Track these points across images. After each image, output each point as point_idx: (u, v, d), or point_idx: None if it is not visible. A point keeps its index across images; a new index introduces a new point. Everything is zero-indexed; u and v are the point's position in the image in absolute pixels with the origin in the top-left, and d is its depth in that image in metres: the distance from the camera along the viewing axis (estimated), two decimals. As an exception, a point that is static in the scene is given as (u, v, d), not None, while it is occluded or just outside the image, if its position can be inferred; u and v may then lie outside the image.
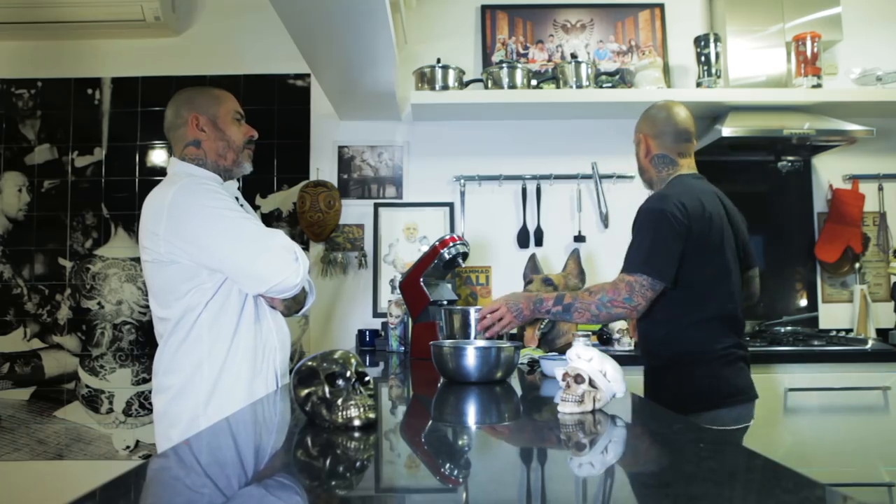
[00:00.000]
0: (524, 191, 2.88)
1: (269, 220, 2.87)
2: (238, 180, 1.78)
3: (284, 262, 1.52)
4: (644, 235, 1.70)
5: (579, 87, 2.68)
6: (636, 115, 2.84)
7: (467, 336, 2.04)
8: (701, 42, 2.73)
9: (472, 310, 2.08)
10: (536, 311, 1.83)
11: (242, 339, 1.59)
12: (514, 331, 2.48)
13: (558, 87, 2.72)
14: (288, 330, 1.75)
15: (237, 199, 1.70)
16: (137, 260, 2.84)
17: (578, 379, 1.17)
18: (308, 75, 2.89)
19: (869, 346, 2.44)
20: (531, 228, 2.88)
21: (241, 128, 1.70)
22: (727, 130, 2.52)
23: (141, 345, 2.81)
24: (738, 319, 1.76)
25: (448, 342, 1.76)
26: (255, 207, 2.85)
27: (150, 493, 0.79)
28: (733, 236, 1.79)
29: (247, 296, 1.60)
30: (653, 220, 1.70)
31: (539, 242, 2.86)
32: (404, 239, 2.89)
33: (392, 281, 2.69)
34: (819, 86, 2.64)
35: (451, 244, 2.29)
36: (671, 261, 1.67)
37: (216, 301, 1.56)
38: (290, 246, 1.56)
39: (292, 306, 1.67)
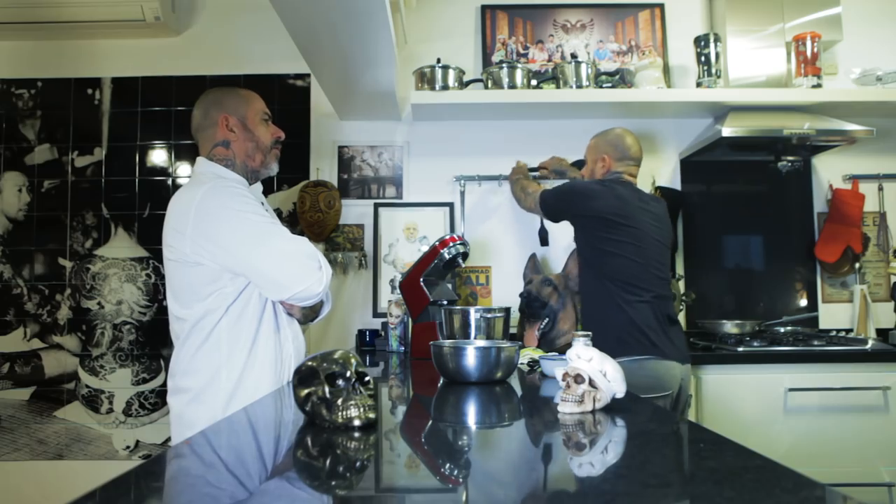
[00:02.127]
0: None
1: (269, 220, 2.87)
2: (261, 184, 1.78)
3: (308, 270, 1.53)
4: (562, 186, 2.36)
5: (579, 87, 2.68)
6: (636, 115, 2.88)
7: (467, 336, 2.05)
8: (701, 42, 2.73)
9: (472, 310, 2.08)
10: (515, 181, 2.67)
11: (262, 347, 1.59)
12: (514, 331, 2.49)
13: (558, 87, 2.72)
14: (303, 338, 1.75)
15: (262, 203, 1.69)
16: (138, 260, 2.84)
17: (578, 379, 1.17)
18: (308, 75, 2.89)
19: (869, 346, 2.44)
20: (532, 228, 2.88)
21: (268, 128, 1.72)
22: (727, 130, 2.52)
23: (141, 345, 2.81)
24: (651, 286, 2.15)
25: (448, 342, 1.76)
26: (255, 207, 2.85)
27: (148, 494, 0.79)
28: (654, 235, 2.18)
29: (266, 302, 1.60)
30: (573, 183, 2.34)
31: (544, 242, 2.86)
32: (404, 239, 2.89)
33: (392, 281, 2.69)
34: (819, 86, 2.64)
35: (451, 244, 2.30)
36: (561, 211, 2.34)
37: (236, 306, 1.56)
38: (314, 254, 1.56)
39: (308, 314, 1.67)
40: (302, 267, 1.52)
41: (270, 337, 1.61)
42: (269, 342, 1.61)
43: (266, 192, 2.83)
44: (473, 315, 2.07)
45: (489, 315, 2.08)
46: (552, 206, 2.34)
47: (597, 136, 2.35)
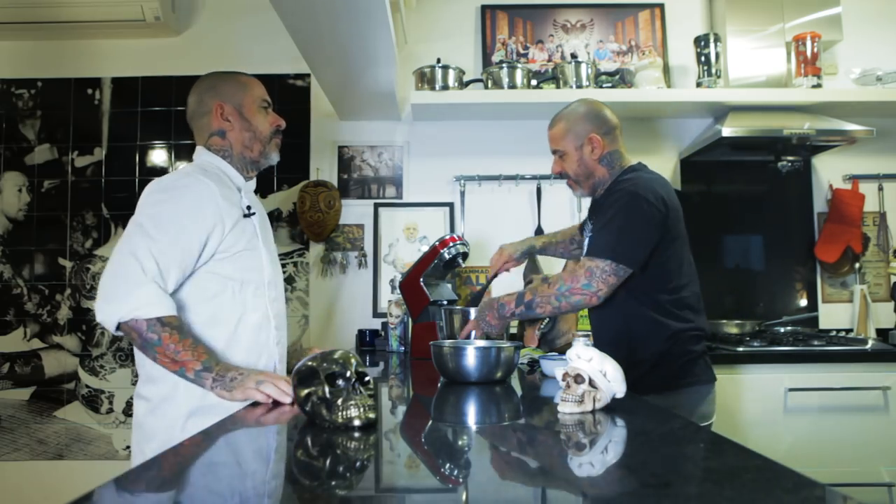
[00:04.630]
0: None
1: (269, 220, 2.85)
2: (255, 181, 1.71)
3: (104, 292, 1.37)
4: (614, 220, 1.68)
5: (579, 87, 2.68)
6: (637, 116, 2.87)
7: (467, 336, 2.04)
8: (701, 42, 2.73)
9: (472, 310, 2.07)
10: (503, 317, 1.81)
11: (234, 357, 1.48)
12: (514, 330, 2.49)
13: (558, 87, 2.72)
14: (284, 356, 1.64)
15: (248, 206, 1.58)
16: (137, 260, 2.84)
17: (578, 379, 1.17)
18: (308, 75, 2.89)
19: (869, 346, 2.44)
20: (531, 228, 2.88)
21: (267, 117, 1.61)
22: (727, 130, 2.52)
23: (141, 345, 2.80)
24: (700, 306, 1.81)
25: (448, 342, 1.76)
26: (255, 207, 2.84)
27: (148, 494, 0.79)
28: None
29: (240, 319, 1.50)
30: (626, 205, 1.69)
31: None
32: (404, 239, 2.89)
33: (392, 281, 2.69)
34: (819, 86, 2.64)
35: (451, 244, 2.30)
36: (641, 246, 1.66)
37: (202, 316, 1.46)
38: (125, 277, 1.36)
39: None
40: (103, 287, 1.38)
41: (239, 356, 1.49)
42: (237, 360, 1.48)
43: (266, 193, 2.86)
44: (474, 315, 2.06)
45: None
46: (631, 256, 1.66)
47: (560, 121, 1.88)
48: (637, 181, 1.76)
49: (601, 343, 1.79)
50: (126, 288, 1.33)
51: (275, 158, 1.65)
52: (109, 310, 1.33)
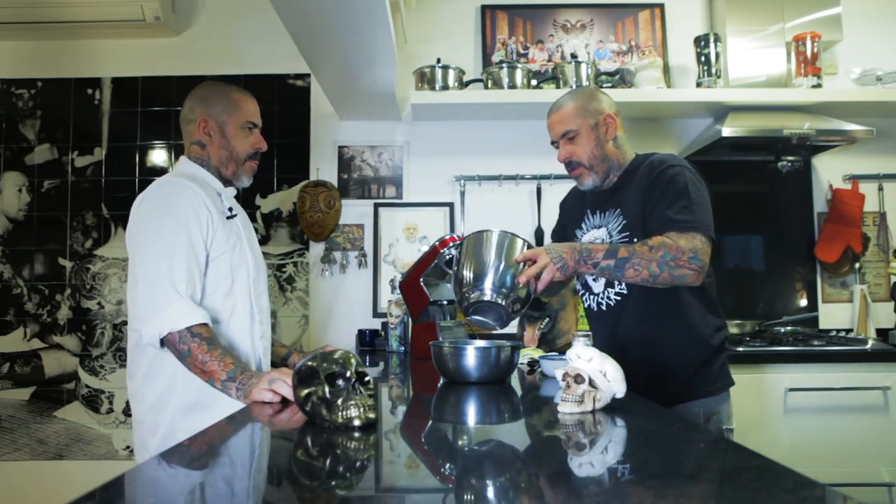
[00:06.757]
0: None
1: (270, 219, 2.87)
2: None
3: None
4: (687, 193, 1.53)
5: (579, 86, 2.68)
6: (637, 116, 2.87)
7: (527, 261, 1.61)
8: (701, 42, 2.73)
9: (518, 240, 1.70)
10: (582, 264, 1.52)
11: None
12: (514, 330, 2.49)
13: (558, 87, 2.72)
14: (269, 348, 1.71)
15: (230, 209, 1.64)
16: (137, 260, 2.84)
17: (578, 379, 1.17)
18: (308, 75, 2.89)
19: (869, 346, 2.44)
20: (531, 228, 2.88)
21: (248, 139, 1.64)
22: (727, 130, 2.52)
23: (141, 345, 2.80)
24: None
25: (448, 342, 1.76)
26: (255, 207, 2.85)
27: (148, 494, 0.79)
28: None
29: (232, 314, 1.57)
30: (691, 179, 1.57)
31: (539, 243, 2.86)
32: (404, 239, 2.89)
33: (392, 281, 2.69)
34: (819, 86, 2.64)
35: (452, 244, 2.30)
36: (712, 221, 1.55)
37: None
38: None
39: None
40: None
41: (234, 350, 1.55)
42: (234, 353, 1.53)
43: (266, 193, 2.86)
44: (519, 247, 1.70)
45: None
46: (713, 230, 1.55)
47: (570, 101, 1.71)
48: (674, 158, 1.65)
49: (644, 340, 1.63)
50: (160, 305, 1.42)
51: (246, 182, 1.70)
52: (148, 329, 1.42)
